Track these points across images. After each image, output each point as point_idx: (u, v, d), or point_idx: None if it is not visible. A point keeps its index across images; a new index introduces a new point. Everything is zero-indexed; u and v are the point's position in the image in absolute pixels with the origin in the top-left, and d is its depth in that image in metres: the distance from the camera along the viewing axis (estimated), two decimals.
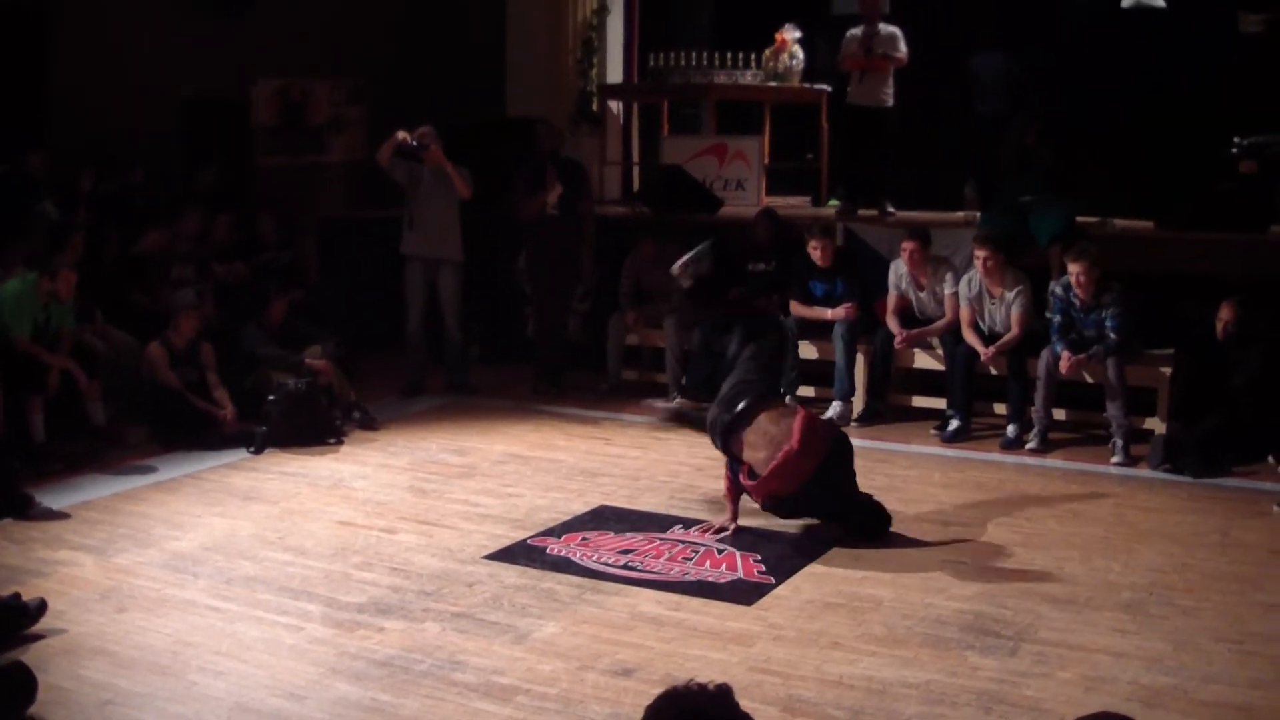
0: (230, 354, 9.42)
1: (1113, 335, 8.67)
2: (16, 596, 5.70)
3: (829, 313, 9.75)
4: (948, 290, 9.48)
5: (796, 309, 9.89)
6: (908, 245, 9.61)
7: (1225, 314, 8.50)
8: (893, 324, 9.65)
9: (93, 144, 10.69)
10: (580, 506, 7.60)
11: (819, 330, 9.87)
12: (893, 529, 7.12)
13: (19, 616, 5.59)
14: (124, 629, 5.72)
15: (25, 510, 7.28)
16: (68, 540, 6.92)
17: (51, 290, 8.52)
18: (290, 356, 9.41)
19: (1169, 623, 5.86)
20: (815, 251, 9.82)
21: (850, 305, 9.69)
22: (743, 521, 7.23)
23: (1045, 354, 8.88)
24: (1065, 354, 8.73)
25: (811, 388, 10.01)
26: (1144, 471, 8.46)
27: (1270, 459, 8.43)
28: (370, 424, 9.44)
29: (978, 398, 9.42)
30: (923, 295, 9.67)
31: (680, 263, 9.75)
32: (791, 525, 7.21)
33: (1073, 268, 8.73)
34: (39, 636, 5.56)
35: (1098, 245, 9.01)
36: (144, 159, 11.07)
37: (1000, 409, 9.35)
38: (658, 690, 2.64)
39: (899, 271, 9.73)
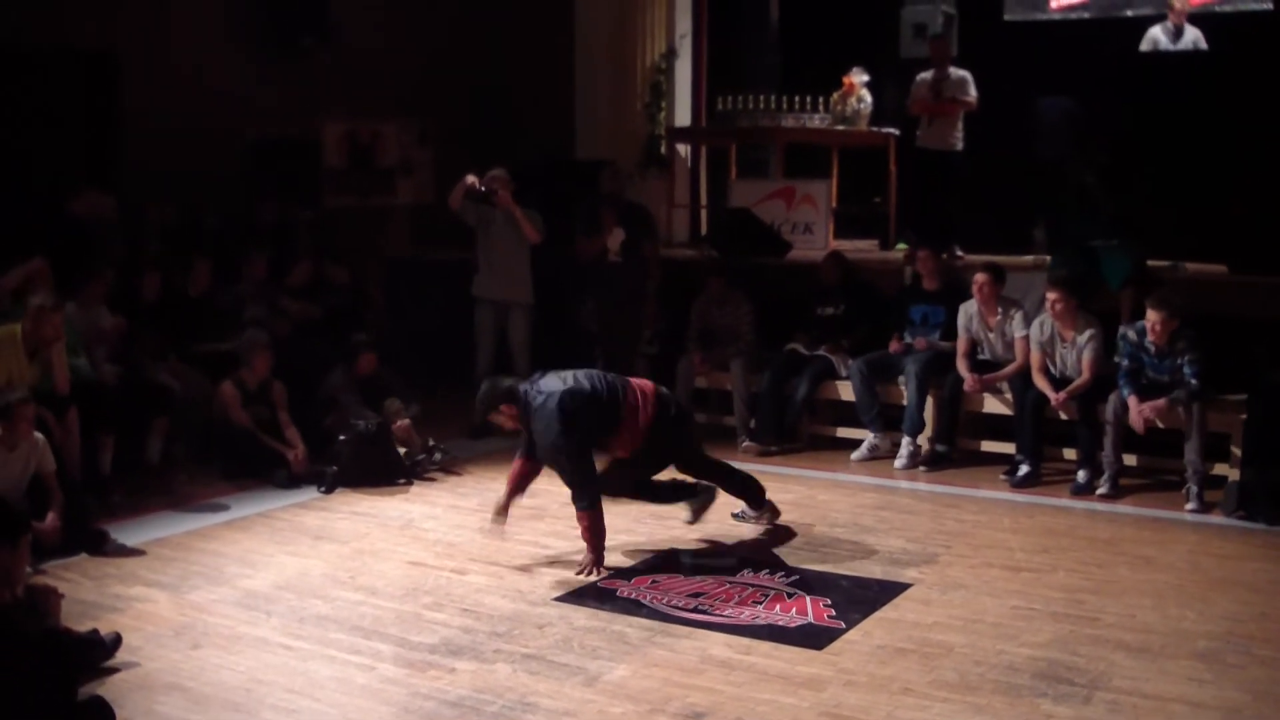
0: (307, 396, 9.46)
1: (1193, 381, 8.53)
2: (95, 632, 5.79)
3: (922, 341, 9.84)
4: (1018, 333, 9.41)
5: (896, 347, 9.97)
6: (980, 278, 9.57)
7: None
8: (962, 367, 9.60)
9: (162, 184, 10.79)
10: (650, 549, 7.61)
11: (887, 373, 9.87)
12: (961, 576, 7.09)
13: (96, 651, 5.68)
14: (198, 665, 5.79)
15: (100, 546, 7.40)
16: (142, 576, 7.01)
17: (30, 331, 7.90)
18: (371, 416, 9.22)
19: (1247, 673, 5.78)
20: (924, 265, 9.86)
21: (932, 339, 9.78)
22: (813, 566, 7.23)
23: (1113, 398, 8.79)
24: (1133, 399, 8.63)
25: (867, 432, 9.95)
26: (1218, 518, 8.34)
27: None
28: (450, 464, 9.44)
29: (1047, 442, 9.32)
30: (991, 336, 9.61)
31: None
32: (862, 570, 7.19)
33: (1151, 315, 8.60)
34: (114, 671, 5.65)
35: (1172, 289, 8.93)
36: (213, 199, 11.20)
37: (1070, 454, 9.25)
38: None
39: (969, 312, 9.68)
